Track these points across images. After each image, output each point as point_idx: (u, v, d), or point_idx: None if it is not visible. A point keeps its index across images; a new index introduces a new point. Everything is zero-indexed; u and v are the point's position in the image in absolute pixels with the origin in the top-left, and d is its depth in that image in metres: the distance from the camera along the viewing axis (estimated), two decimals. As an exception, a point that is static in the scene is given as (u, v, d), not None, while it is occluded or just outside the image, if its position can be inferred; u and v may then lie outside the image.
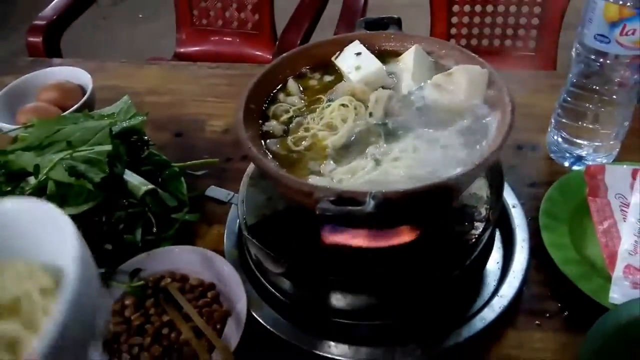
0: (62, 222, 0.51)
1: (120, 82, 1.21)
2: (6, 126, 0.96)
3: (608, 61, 0.74)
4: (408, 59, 0.70)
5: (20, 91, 1.08)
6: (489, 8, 1.60)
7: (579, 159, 0.85)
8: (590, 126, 0.83)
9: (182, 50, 1.88)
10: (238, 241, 0.79)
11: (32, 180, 0.76)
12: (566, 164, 0.87)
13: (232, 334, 0.67)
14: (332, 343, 0.64)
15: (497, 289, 0.68)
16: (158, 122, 1.05)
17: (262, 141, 0.65)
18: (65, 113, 0.95)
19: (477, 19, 1.62)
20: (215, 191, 0.82)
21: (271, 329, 0.67)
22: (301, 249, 0.66)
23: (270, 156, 0.63)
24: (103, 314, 0.71)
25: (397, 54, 0.73)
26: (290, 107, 0.69)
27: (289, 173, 0.59)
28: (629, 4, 0.69)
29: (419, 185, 0.52)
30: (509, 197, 0.79)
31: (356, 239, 0.63)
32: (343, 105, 0.66)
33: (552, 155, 0.89)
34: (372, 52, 0.72)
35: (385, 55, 0.73)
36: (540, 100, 0.97)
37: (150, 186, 0.81)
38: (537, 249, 0.73)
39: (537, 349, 0.64)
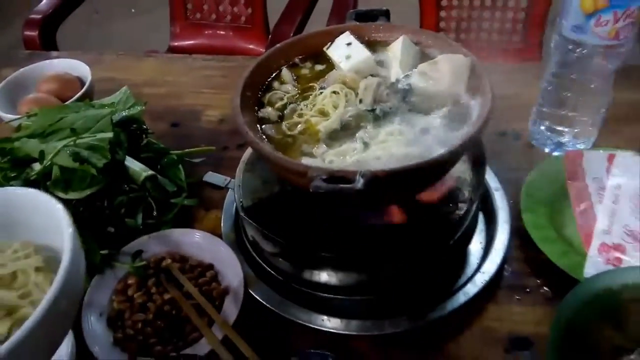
0: (58, 211, 0.59)
1: (118, 74, 1.24)
2: (8, 116, 0.99)
3: (585, 51, 0.78)
4: (396, 49, 0.73)
5: (20, 83, 1.11)
6: (477, 2, 1.64)
7: (559, 145, 0.90)
8: (570, 114, 0.87)
9: (175, 44, 1.91)
10: (235, 224, 0.83)
11: (36, 166, 0.79)
12: (547, 150, 0.92)
13: (231, 310, 0.70)
14: (324, 317, 0.68)
15: (479, 266, 0.72)
16: (155, 113, 1.08)
17: (259, 126, 0.68)
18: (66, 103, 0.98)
19: (465, 13, 1.66)
20: (212, 177, 0.86)
21: (267, 305, 0.71)
22: (295, 229, 0.70)
23: (266, 140, 0.66)
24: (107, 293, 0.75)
25: (385, 44, 0.77)
26: (285, 95, 0.72)
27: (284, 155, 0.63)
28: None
29: (405, 164, 0.56)
30: (492, 181, 0.83)
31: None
32: (334, 92, 0.70)
33: (534, 142, 0.94)
34: (362, 43, 0.76)
35: (374, 45, 0.77)
36: (525, 91, 1.01)
37: (151, 172, 0.84)
38: (518, 230, 0.77)
39: (517, 321, 0.69)
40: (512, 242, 0.76)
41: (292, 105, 0.71)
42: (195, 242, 0.79)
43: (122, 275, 0.76)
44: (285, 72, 0.75)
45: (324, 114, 0.69)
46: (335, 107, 0.69)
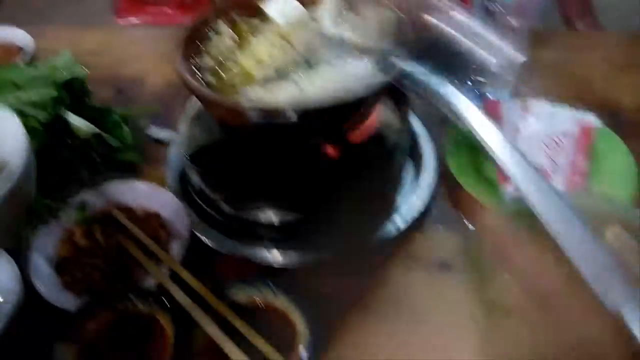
0: (13, 122, 0.67)
1: (61, 45, 1.22)
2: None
3: (499, 6, 0.86)
4: (329, 3, 0.79)
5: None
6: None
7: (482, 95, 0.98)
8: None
9: (120, 22, 1.89)
10: (180, 177, 0.86)
11: (-22, 122, 0.80)
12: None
13: (178, 252, 0.74)
14: (265, 250, 0.73)
15: (407, 201, 0.79)
16: (99, 81, 1.09)
17: (199, 74, 0.72)
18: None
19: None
20: (156, 131, 0.89)
21: (212, 246, 0.75)
22: (237, 173, 0.75)
23: (206, 86, 0.70)
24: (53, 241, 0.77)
25: (318, 2, 0.82)
26: (224, 46, 0.77)
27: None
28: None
29: (334, 98, 0.62)
30: (421, 130, 0.90)
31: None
32: (270, 43, 0.75)
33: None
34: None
35: (308, 4, 0.82)
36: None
37: (94, 129, 0.86)
38: (444, 173, 0.84)
39: (438, 247, 0.77)
40: (438, 181, 0.83)
41: (230, 55, 0.75)
42: (140, 192, 0.82)
43: (67, 226, 0.78)
44: (223, 26, 0.79)
45: (260, 62, 0.73)
46: (271, 56, 0.73)
